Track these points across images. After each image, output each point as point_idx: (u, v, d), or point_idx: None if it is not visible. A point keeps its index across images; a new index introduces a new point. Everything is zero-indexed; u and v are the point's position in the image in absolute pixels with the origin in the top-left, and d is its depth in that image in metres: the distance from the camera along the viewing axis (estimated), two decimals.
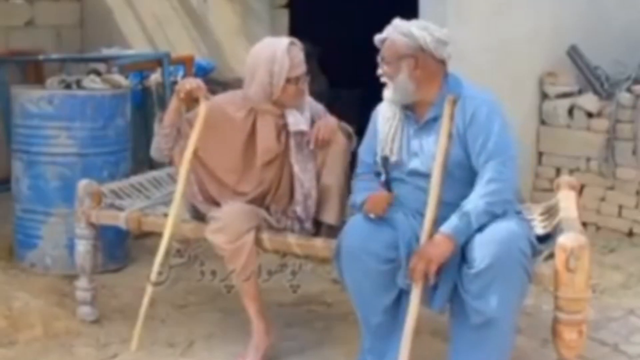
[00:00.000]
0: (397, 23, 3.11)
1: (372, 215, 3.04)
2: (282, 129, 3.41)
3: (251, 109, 3.41)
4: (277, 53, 3.32)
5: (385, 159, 3.11)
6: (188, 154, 3.38)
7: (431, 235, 2.89)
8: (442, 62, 3.08)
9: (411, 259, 2.90)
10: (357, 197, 3.15)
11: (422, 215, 2.97)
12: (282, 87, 3.33)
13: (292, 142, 3.40)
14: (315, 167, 3.41)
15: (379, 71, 3.12)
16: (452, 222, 2.88)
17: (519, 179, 3.20)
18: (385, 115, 3.15)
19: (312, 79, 3.53)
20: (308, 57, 3.50)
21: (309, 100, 3.50)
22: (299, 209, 3.41)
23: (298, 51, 3.38)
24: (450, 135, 2.91)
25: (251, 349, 3.36)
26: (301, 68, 3.37)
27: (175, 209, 3.39)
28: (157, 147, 3.51)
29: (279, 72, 3.31)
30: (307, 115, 3.44)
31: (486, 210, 2.89)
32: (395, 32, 3.07)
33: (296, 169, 3.39)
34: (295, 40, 3.43)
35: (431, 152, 2.99)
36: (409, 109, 3.12)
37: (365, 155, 3.24)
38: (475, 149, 2.97)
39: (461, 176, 2.99)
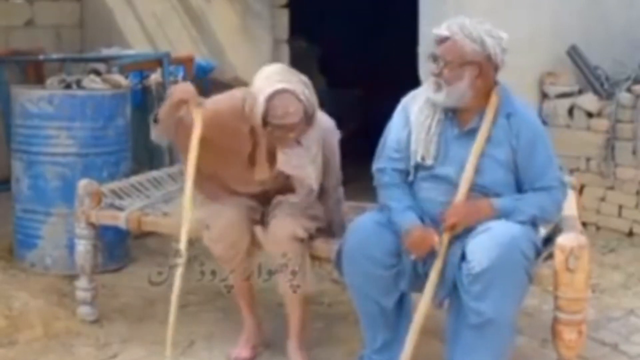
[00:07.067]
0: (465, 23, 2.88)
1: (412, 256, 2.90)
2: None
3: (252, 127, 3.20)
4: (260, 95, 3.04)
5: (418, 163, 2.95)
6: (190, 165, 3.17)
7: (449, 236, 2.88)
8: (497, 70, 2.93)
9: (446, 211, 2.84)
10: (392, 206, 2.96)
11: (435, 222, 2.92)
12: (261, 126, 3.07)
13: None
14: (316, 166, 3.28)
15: (432, 69, 2.90)
16: (505, 201, 2.86)
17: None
18: (420, 115, 2.95)
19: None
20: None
21: (319, 116, 3.22)
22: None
23: (284, 100, 3.00)
24: (487, 140, 2.86)
25: (240, 342, 3.41)
26: (286, 119, 3.01)
27: (187, 212, 3.18)
28: (157, 134, 3.34)
29: (256, 113, 3.06)
30: (314, 137, 3.19)
31: (530, 216, 2.87)
32: (462, 34, 2.85)
33: (293, 169, 3.27)
34: (290, 88, 3.03)
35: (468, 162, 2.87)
36: (451, 111, 2.94)
37: (393, 152, 3.02)
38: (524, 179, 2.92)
39: (496, 194, 2.91)
